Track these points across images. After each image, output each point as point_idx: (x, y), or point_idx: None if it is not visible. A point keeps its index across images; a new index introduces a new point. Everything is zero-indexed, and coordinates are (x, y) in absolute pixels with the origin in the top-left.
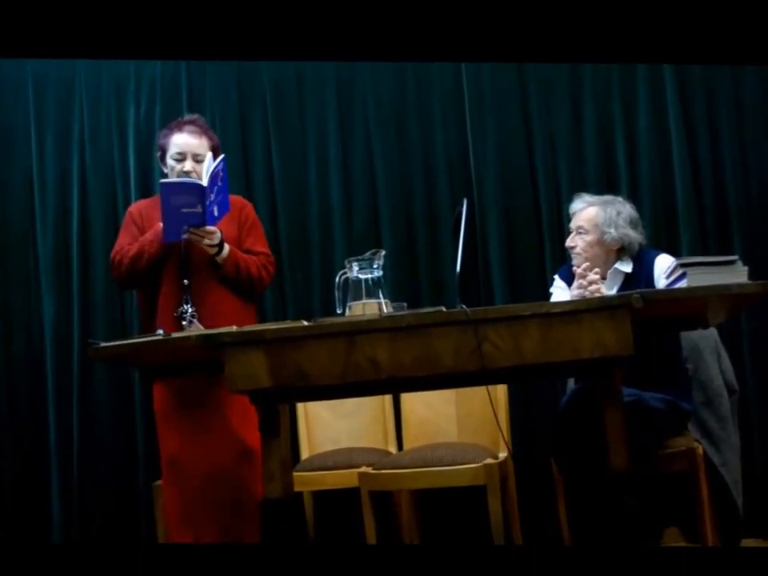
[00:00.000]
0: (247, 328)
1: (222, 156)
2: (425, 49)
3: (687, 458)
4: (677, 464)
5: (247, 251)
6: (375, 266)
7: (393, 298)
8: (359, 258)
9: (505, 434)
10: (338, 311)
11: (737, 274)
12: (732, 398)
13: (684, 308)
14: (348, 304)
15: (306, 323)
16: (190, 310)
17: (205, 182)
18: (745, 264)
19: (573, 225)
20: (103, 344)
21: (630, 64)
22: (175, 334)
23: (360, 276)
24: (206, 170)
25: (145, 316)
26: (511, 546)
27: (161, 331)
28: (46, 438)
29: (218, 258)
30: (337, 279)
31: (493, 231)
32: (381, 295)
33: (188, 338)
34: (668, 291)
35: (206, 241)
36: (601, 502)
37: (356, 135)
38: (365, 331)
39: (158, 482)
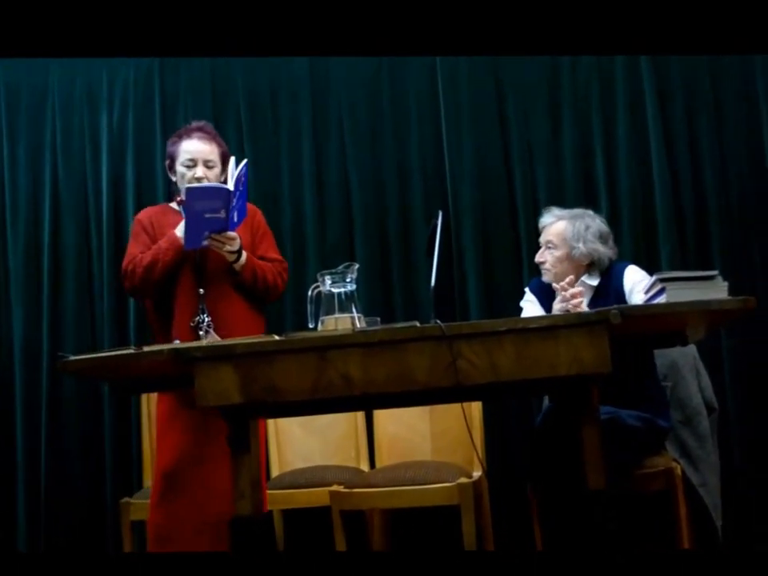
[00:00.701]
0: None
1: (245, 161)
2: (400, 40)
3: (665, 478)
4: (655, 484)
5: (261, 258)
6: (348, 280)
7: (366, 312)
8: (332, 271)
9: (479, 453)
10: (310, 326)
11: (717, 290)
12: (711, 417)
13: (663, 324)
14: (320, 318)
15: (277, 338)
16: (206, 320)
17: (231, 186)
18: (725, 279)
19: (542, 239)
20: (72, 357)
21: (607, 56)
22: (149, 348)
23: (333, 290)
24: (230, 174)
25: (158, 326)
26: (484, 552)
27: (178, 341)
28: (14, 450)
29: (236, 265)
30: (309, 293)
31: (469, 244)
32: (354, 309)
33: (159, 352)
34: (646, 307)
35: (227, 247)
36: (577, 521)
37: (330, 146)
38: (337, 346)
39: (126, 498)
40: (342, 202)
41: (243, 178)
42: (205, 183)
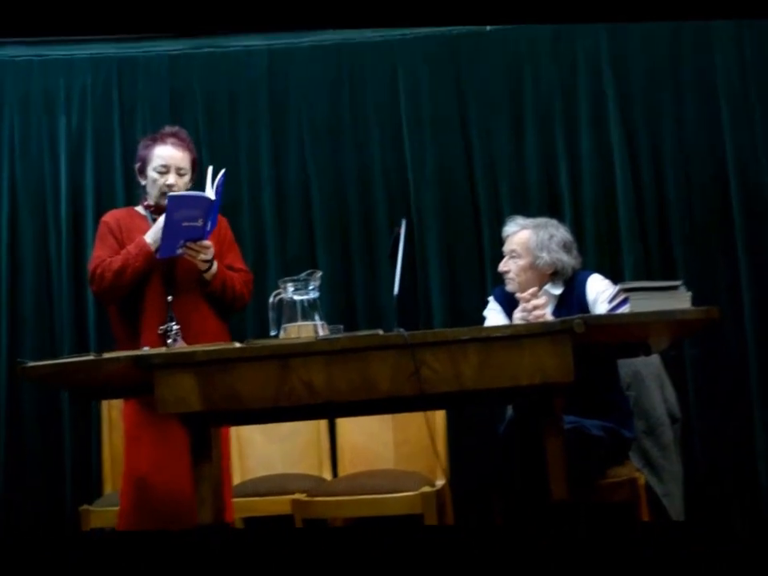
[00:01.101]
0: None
1: (223, 170)
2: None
3: (629, 488)
4: (618, 494)
5: (228, 267)
6: (311, 287)
7: (329, 320)
8: (294, 278)
9: (442, 462)
10: (272, 333)
11: (680, 300)
12: (675, 427)
13: (626, 334)
14: (282, 326)
15: (238, 345)
16: (174, 328)
17: (212, 196)
18: (688, 289)
19: (506, 249)
20: (32, 363)
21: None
22: (109, 354)
23: (295, 297)
24: (209, 184)
25: (123, 333)
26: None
27: (147, 348)
28: None
29: (207, 275)
30: (271, 300)
31: (432, 253)
32: (317, 317)
33: (118, 359)
34: (610, 316)
35: (202, 256)
36: (541, 531)
37: (290, 154)
38: (300, 354)
39: (86, 506)
40: (303, 209)
41: (220, 188)
42: (188, 192)
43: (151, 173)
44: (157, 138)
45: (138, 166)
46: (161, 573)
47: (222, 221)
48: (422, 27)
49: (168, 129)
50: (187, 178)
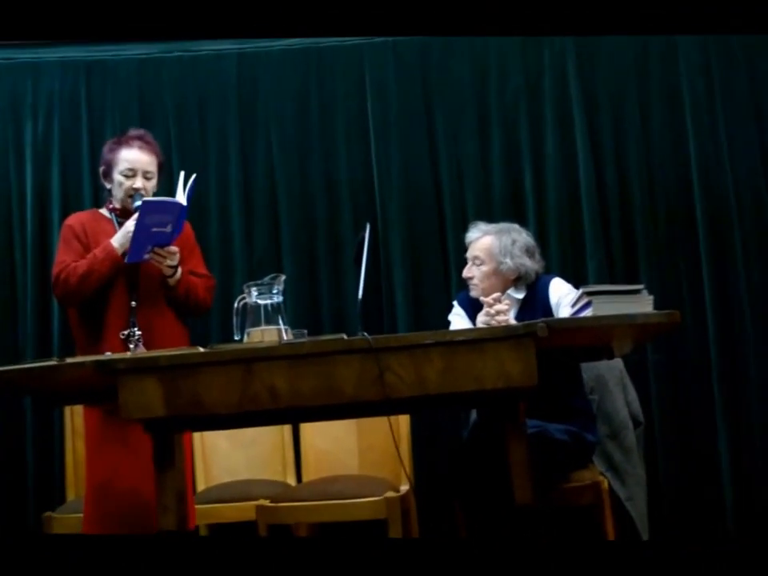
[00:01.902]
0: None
1: (194, 176)
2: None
3: (592, 492)
4: (582, 498)
5: (190, 272)
6: (275, 292)
7: (293, 324)
8: (258, 282)
9: (407, 467)
10: (236, 337)
11: (642, 304)
12: (637, 431)
13: (589, 337)
14: (246, 330)
15: (202, 349)
16: (136, 333)
17: (184, 201)
18: (650, 293)
19: (469, 255)
20: None
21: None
22: (72, 359)
23: (259, 301)
24: (181, 189)
25: (84, 336)
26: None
27: (109, 353)
28: None
29: (171, 280)
30: (235, 304)
31: (397, 257)
32: (281, 321)
33: (82, 364)
34: (573, 320)
35: (168, 262)
36: (504, 536)
37: (258, 158)
38: (263, 358)
39: (48, 513)
40: (269, 213)
41: (190, 193)
42: (161, 198)
43: (117, 176)
44: (122, 141)
45: (102, 168)
46: None
47: (186, 225)
48: (392, 36)
49: (134, 131)
50: (154, 181)
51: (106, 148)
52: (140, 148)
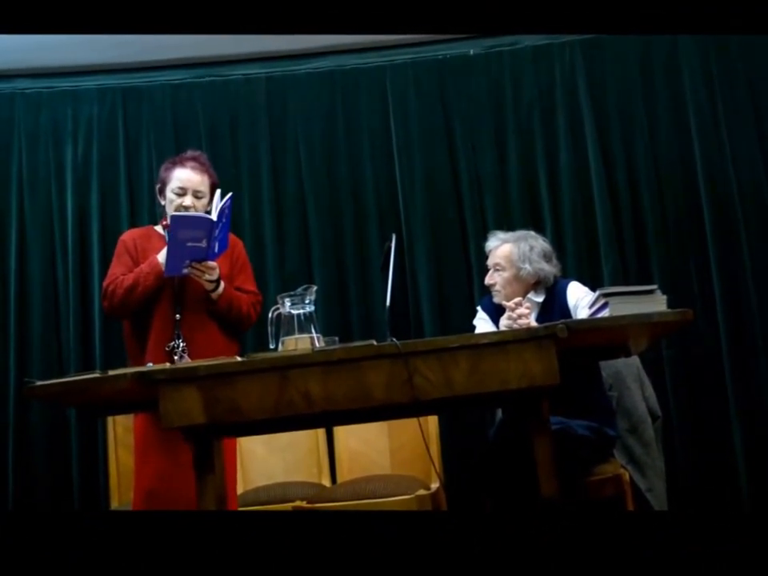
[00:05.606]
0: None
1: (230, 194)
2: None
3: (615, 484)
4: (605, 490)
5: (238, 288)
6: (307, 302)
7: (325, 332)
8: (291, 293)
9: (436, 466)
10: (271, 346)
11: (656, 303)
12: (655, 424)
13: (607, 337)
14: (281, 339)
15: (239, 359)
16: (181, 345)
17: (214, 217)
18: (663, 293)
19: (490, 263)
20: (39, 382)
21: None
22: (114, 372)
23: (292, 311)
24: (215, 206)
25: (134, 349)
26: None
27: (151, 364)
28: None
29: (213, 294)
30: (270, 315)
31: (422, 266)
32: (313, 330)
33: (123, 376)
34: (591, 321)
35: (206, 276)
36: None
37: (288, 174)
38: (297, 366)
39: None
40: (300, 227)
41: (227, 210)
42: (190, 212)
43: (170, 194)
44: (177, 161)
45: (158, 186)
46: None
47: (237, 242)
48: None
49: (189, 153)
50: (205, 200)
51: (162, 167)
52: (192, 168)
